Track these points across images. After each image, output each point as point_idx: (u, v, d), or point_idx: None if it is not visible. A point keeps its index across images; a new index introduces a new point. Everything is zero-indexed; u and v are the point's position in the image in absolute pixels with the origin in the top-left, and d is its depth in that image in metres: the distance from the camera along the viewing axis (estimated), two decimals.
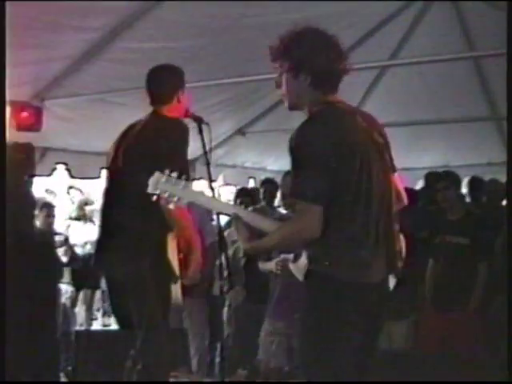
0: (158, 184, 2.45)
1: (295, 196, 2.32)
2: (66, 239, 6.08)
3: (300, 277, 2.45)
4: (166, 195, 2.45)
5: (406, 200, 2.62)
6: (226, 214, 2.64)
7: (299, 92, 2.43)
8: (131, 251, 3.10)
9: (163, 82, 3.28)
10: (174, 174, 2.46)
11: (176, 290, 3.16)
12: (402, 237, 2.60)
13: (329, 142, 2.26)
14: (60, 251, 6.00)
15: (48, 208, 5.93)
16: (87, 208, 7.15)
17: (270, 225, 2.45)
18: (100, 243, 3.30)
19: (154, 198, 2.47)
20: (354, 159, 2.29)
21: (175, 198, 2.45)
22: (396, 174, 2.55)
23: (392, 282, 2.48)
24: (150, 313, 3.07)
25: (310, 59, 2.36)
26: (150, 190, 2.45)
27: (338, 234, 2.30)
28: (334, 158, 2.25)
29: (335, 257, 2.32)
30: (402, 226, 2.52)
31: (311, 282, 2.39)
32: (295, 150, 2.32)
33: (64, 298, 7.03)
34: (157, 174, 2.46)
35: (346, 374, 2.34)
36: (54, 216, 6.09)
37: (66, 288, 6.81)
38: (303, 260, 2.43)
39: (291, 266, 2.62)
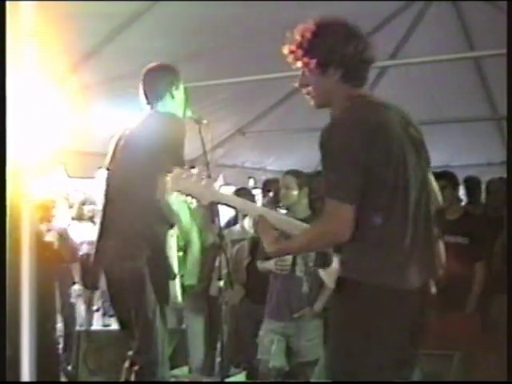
0: (178, 181, 2.36)
1: (326, 194, 2.16)
2: (63, 237, 6.05)
3: (331, 284, 2.29)
4: (187, 194, 2.36)
5: (441, 201, 2.51)
6: (251, 215, 2.54)
7: (328, 88, 2.30)
8: (129, 250, 3.10)
9: (153, 80, 3.33)
10: (195, 171, 2.41)
11: (175, 288, 3.16)
12: (440, 242, 2.47)
13: (359, 137, 2.12)
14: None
15: (45, 208, 5.92)
16: (86, 208, 7.14)
17: (296, 226, 2.35)
18: (99, 242, 3.30)
19: (174, 195, 2.40)
20: (389, 154, 2.15)
21: (196, 197, 2.36)
22: (431, 174, 2.44)
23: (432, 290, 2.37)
24: (148, 312, 3.08)
25: (338, 51, 2.26)
26: (170, 188, 2.37)
27: (371, 237, 2.17)
28: (368, 154, 2.11)
29: (368, 262, 2.17)
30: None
31: (343, 290, 2.22)
32: (323, 148, 2.18)
33: (73, 298, 7.05)
34: (177, 171, 2.38)
35: None
36: (51, 215, 6.09)
37: (76, 287, 6.82)
38: (334, 266, 2.28)
39: (321, 272, 2.43)
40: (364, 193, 2.12)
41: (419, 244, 2.22)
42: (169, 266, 3.11)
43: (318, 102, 2.37)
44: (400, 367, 2.23)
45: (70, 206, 6.86)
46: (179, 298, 3.20)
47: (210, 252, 4.67)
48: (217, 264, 3.68)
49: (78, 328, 6.51)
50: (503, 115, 5.67)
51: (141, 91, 3.37)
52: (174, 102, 3.32)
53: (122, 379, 3.19)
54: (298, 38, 2.35)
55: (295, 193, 4.10)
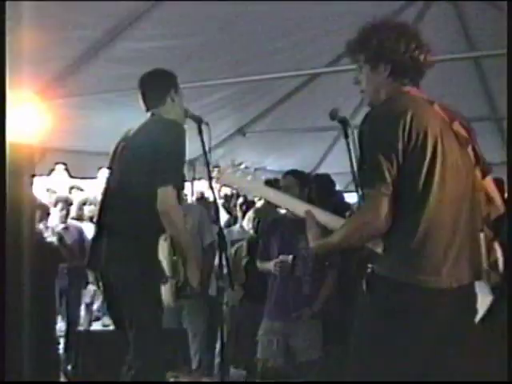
0: (225, 175, 2.41)
1: (363, 185, 2.19)
2: (61, 238, 6.07)
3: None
4: (234, 187, 2.44)
5: (502, 206, 2.41)
6: (296, 211, 2.46)
7: (378, 84, 2.33)
8: (122, 252, 3.09)
9: (151, 86, 3.34)
10: (242, 166, 2.42)
11: (166, 291, 3.14)
12: (497, 245, 2.41)
13: (395, 129, 2.12)
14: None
15: (43, 208, 5.93)
16: (87, 208, 7.14)
17: (339, 221, 2.31)
18: (94, 244, 3.30)
19: (219, 189, 2.42)
20: (424, 147, 2.12)
21: (242, 191, 2.46)
22: (490, 177, 2.40)
23: (487, 298, 2.32)
24: (141, 314, 3.06)
25: (389, 48, 2.30)
26: (216, 181, 2.43)
27: (402, 233, 2.12)
28: (401, 146, 2.11)
29: (398, 257, 2.14)
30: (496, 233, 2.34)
31: (373, 285, 2.17)
32: (361, 138, 2.19)
33: (87, 298, 7.05)
34: (223, 166, 2.45)
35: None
36: (49, 215, 6.10)
37: (89, 288, 6.82)
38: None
39: None
40: (399, 184, 2.11)
41: (460, 242, 2.18)
42: (161, 270, 3.10)
43: (368, 98, 2.40)
44: (427, 375, 2.18)
45: (69, 205, 6.84)
46: (171, 303, 3.18)
47: (209, 252, 4.67)
48: (216, 264, 3.68)
49: (78, 328, 6.53)
50: (503, 115, 5.67)
51: (139, 97, 3.36)
52: (174, 107, 3.31)
53: None
54: (355, 35, 2.41)
55: (296, 193, 4.10)
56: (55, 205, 6.62)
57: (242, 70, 4.92)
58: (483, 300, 2.37)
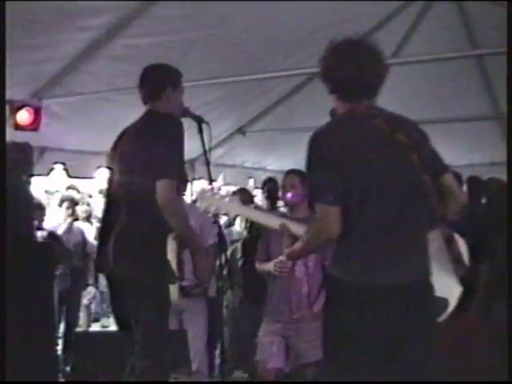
0: (205, 198, 2.69)
1: (312, 198, 2.42)
2: (54, 237, 6.03)
3: None
4: (213, 209, 2.70)
5: (464, 199, 2.66)
6: (272, 226, 2.81)
7: (334, 102, 2.56)
8: (130, 252, 3.07)
9: (150, 80, 3.29)
10: (221, 191, 2.60)
11: (173, 290, 3.13)
12: (460, 240, 2.65)
13: (337, 146, 2.36)
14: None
15: (39, 208, 5.90)
16: (79, 208, 7.09)
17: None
18: (101, 244, 3.28)
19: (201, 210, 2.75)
20: (362, 162, 2.35)
21: (222, 211, 2.74)
22: (449, 174, 2.59)
23: (457, 290, 2.52)
24: (148, 314, 3.04)
25: (330, 70, 2.49)
26: (198, 204, 2.72)
27: (345, 235, 2.34)
28: (343, 161, 2.33)
29: (342, 257, 2.38)
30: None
31: (327, 285, 2.55)
32: (308, 154, 2.43)
33: (87, 299, 7.02)
34: (202, 189, 2.82)
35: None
36: (44, 215, 6.08)
37: (90, 289, 6.79)
38: None
39: None
40: (344, 193, 2.34)
41: (404, 242, 2.37)
42: (169, 270, 3.08)
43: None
44: (379, 367, 2.33)
45: (75, 205, 6.81)
46: (176, 299, 3.16)
47: (210, 253, 4.64)
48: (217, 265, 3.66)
49: (76, 329, 6.51)
50: (505, 114, 5.64)
51: (140, 90, 3.33)
52: (170, 104, 3.28)
53: None
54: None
55: (299, 191, 4.07)
56: (60, 204, 6.60)
57: (242, 69, 4.90)
58: (453, 292, 2.57)
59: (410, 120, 2.58)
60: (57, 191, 7.65)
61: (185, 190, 4.71)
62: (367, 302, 2.30)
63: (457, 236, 2.63)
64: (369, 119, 2.46)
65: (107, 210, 3.30)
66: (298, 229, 2.62)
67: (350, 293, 2.33)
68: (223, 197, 2.74)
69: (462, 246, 2.63)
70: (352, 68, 2.44)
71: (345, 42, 2.49)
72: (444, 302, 2.53)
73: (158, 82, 3.28)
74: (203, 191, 2.73)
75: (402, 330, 2.33)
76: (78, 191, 7.57)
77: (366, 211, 2.34)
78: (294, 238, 2.59)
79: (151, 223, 3.04)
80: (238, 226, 5.46)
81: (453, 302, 2.57)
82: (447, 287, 2.51)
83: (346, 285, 2.34)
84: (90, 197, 8.29)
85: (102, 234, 3.30)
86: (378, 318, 2.30)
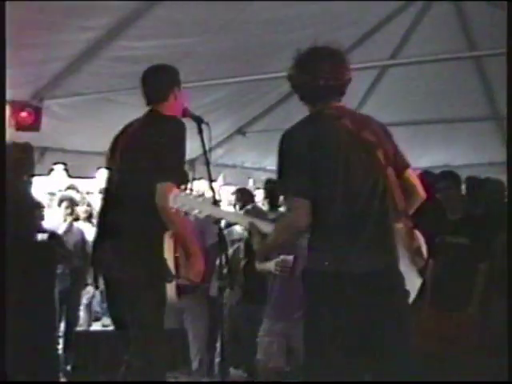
0: (178, 198, 2.71)
1: (283, 192, 2.62)
2: (55, 237, 6.04)
3: None
4: (186, 209, 2.72)
5: (423, 193, 2.75)
6: (241, 225, 3.04)
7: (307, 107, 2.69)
8: (127, 251, 3.07)
9: (156, 80, 3.29)
10: (194, 192, 2.64)
11: (171, 288, 3.13)
12: (418, 234, 2.77)
13: (305, 143, 2.50)
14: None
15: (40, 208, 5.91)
16: (80, 208, 7.10)
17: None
18: (97, 243, 3.27)
19: (173, 210, 2.73)
20: (328, 158, 2.51)
21: (195, 211, 2.72)
22: (410, 170, 2.73)
23: (417, 281, 2.67)
24: (144, 313, 3.04)
25: (293, 78, 2.70)
26: (170, 204, 2.72)
27: (315, 228, 2.50)
28: (311, 157, 2.48)
29: (313, 249, 2.54)
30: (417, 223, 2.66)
31: (302, 277, 2.63)
32: (278, 152, 2.58)
33: (85, 299, 7.02)
34: (175, 190, 2.78)
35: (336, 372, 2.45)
36: (44, 215, 6.09)
37: (88, 289, 6.79)
38: None
39: None
40: (312, 188, 2.47)
41: (368, 234, 2.50)
42: (165, 268, 3.09)
43: None
44: (349, 352, 2.47)
45: (74, 205, 6.81)
46: (174, 298, 3.17)
47: (210, 252, 4.66)
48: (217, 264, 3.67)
49: (77, 328, 6.52)
50: (504, 115, 5.66)
51: (141, 89, 3.33)
52: (175, 104, 3.29)
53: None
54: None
55: None
56: (59, 204, 6.61)
57: (242, 70, 4.91)
58: (414, 282, 2.73)
59: (375, 120, 2.72)
60: (59, 190, 7.64)
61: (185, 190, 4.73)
62: (338, 290, 2.44)
63: (415, 229, 2.76)
64: (335, 119, 2.59)
65: (104, 208, 3.30)
66: (267, 227, 2.69)
67: (321, 281, 2.48)
68: (196, 197, 2.81)
69: (420, 239, 2.77)
70: (308, 74, 2.61)
71: (305, 50, 2.67)
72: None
73: (164, 81, 3.28)
74: (177, 192, 2.76)
75: (372, 316, 2.48)
76: (78, 191, 7.57)
77: (334, 205, 2.48)
78: (263, 237, 2.68)
79: (148, 222, 3.04)
80: (240, 226, 5.47)
81: (413, 293, 2.69)
82: (409, 279, 2.61)
83: (317, 274, 2.49)
84: (88, 193, 8.26)
85: (99, 231, 3.29)
86: (349, 305, 2.44)
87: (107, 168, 3.39)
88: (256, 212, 5.10)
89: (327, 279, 2.46)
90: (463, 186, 5.44)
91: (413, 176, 2.75)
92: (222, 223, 3.95)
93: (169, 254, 3.10)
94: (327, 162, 2.50)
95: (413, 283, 2.70)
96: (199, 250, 3.25)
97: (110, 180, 3.33)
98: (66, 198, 6.71)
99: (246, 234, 5.29)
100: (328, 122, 2.58)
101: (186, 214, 2.83)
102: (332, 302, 2.46)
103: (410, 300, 2.65)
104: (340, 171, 2.49)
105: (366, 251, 2.49)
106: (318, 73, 2.60)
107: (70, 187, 7.60)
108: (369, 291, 2.46)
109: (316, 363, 2.53)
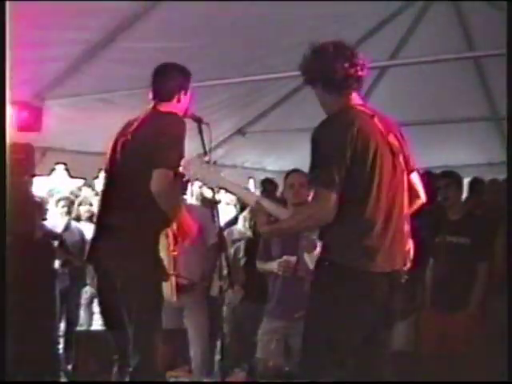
0: (189, 166, 2.75)
1: (313, 183, 2.58)
2: (55, 237, 6.05)
3: (311, 265, 2.81)
4: (198, 177, 2.77)
5: (424, 197, 2.82)
6: (249, 201, 2.88)
7: (324, 100, 2.72)
8: (124, 250, 3.07)
9: (166, 79, 3.29)
10: (206, 158, 2.77)
11: (169, 287, 3.14)
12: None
13: (344, 138, 2.50)
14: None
15: (40, 208, 5.93)
16: (82, 208, 7.12)
17: (286, 213, 2.73)
18: (94, 241, 3.27)
19: (185, 178, 2.79)
20: (366, 155, 2.52)
21: (205, 181, 2.76)
22: (416, 173, 2.80)
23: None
24: (141, 312, 3.05)
25: (318, 68, 2.68)
26: (182, 170, 2.76)
27: (346, 224, 2.52)
28: (349, 153, 2.49)
29: (342, 245, 2.54)
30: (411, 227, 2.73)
31: (318, 268, 2.61)
32: (314, 144, 2.56)
33: (84, 299, 7.04)
34: (187, 158, 2.78)
35: (347, 364, 2.54)
36: (45, 215, 6.11)
37: (86, 289, 6.80)
38: (318, 250, 2.70)
39: (306, 256, 3.12)
40: (345, 184, 2.49)
41: (392, 235, 2.58)
42: (162, 267, 3.09)
43: (324, 111, 2.77)
44: (365, 343, 2.55)
45: (71, 204, 6.83)
46: (173, 296, 3.17)
47: (210, 252, 4.67)
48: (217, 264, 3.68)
49: (77, 328, 6.53)
50: (503, 115, 5.67)
51: (155, 86, 3.30)
52: (178, 107, 3.29)
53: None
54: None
55: (306, 191, 4.09)
56: (56, 204, 6.62)
57: (243, 71, 4.92)
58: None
59: (395, 122, 2.80)
60: (58, 192, 7.66)
61: (185, 189, 4.74)
62: (364, 288, 2.51)
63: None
64: (370, 117, 2.64)
65: (102, 207, 3.30)
66: (273, 208, 2.70)
67: (349, 278, 2.50)
68: (207, 167, 2.80)
69: (410, 241, 2.79)
70: (340, 60, 2.63)
71: (323, 44, 2.69)
72: None
73: (173, 81, 3.28)
74: (188, 160, 2.76)
75: (383, 316, 2.58)
76: (77, 195, 7.59)
77: (367, 203, 2.51)
78: (268, 217, 2.70)
79: (145, 220, 3.05)
80: (241, 226, 5.47)
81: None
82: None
83: (346, 270, 2.50)
84: (86, 184, 8.23)
85: (97, 229, 3.29)
86: (371, 303, 2.52)
87: (107, 167, 3.39)
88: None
89: (353, 274, 2.50)
90: (466, 187, 5.46)
91: (417, 180, 2.81)
92: (222, 223, 3.96)
93: (165, 253, 3.10)
94: (363, 159, 2.52)
95: None
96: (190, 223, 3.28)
97: (108, 178, 3.33)
98: (63, 197, 6.73)
99: (246, 233, 5.30)
100: (364, 119, 2.61)
101: (198, 181, 2.82)
102: (354, 298, 2.51)
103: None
104: (373, 171, 2.53)
105: (389, 252, 2.56)
106: (353, 60, 2.64)
107: (77, 188, 7.63)
108: (390, 290, 2.56)
109: (323, 361, 2.58)
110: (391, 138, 2.65)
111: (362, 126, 2.55)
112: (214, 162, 3.37)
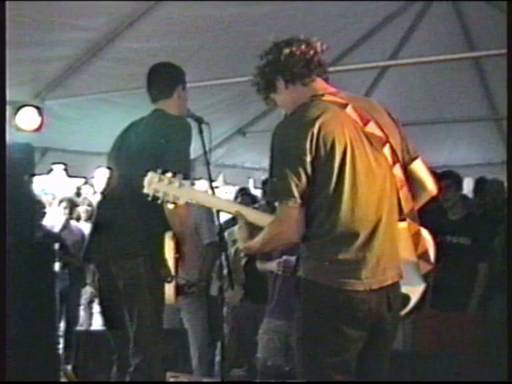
0: (152, 185, 2.42)
1: (274, 197, 2.26)
2: (55, 237, 6.05)
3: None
4: (160, 195, 2.40)
5: (433, 188, 2.46)
6: (227, 212, 2.59)
7: (286, 98, 2.39)
8: (127, 250, 3.07)
9: (161, 77, 3.29)
10: (169, 174, 2.40)
11: (169, 289, 3.13)
12: (427, 236, 2.47)
13: (301, 140, 2.15)
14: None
15: (40, 208, 5.93)
16: (80, 209, 7.13)
17: (268, 221, 2.33)
18: (95, 241, 3.25)
19: (149, 198, 2.43)
20: (333, 155, 2.15)
21: (170, 198, 2.40)
22: (419, 161, 2.41)
23: (420, 287, 2.40)
24: (143, 313, 3.04)
25: (276, 60, 2.38)
26: (144, 190, 2.42)
27: (317, 238, 2.19)
28: (308, 157, 2.14)
29: (314, 261, 2.21)
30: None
31: (299, 288, 2.26)
32: (271, 149, 2.24)
33: (83, 299, 7.04)
34: (150, 174, 2.43)
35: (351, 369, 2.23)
36: (45, 215, 6.11)
37: (87, 289, 6.80)
38: None
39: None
40: (310, 194, 2.16)
41: (379, 245, 2.21)
42: (166, 268, 3.09)
43: (283, 110, 2.45)
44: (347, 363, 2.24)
45: (74, 206, 6.84)
46: (172, 298, 3.17)
47: (209, 251, 4.67)
48: (217, 264, 3.68)
49: (77, 328, 6.53)
50: (503, 115, 5.67)
51: (150, 88, 3.30)
52: (179, 103, 3.28)
53: None
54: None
55: None
56: (59, 204, 6.63)
57: (243, 71, 4.92)
58: (415, 287, 2.43)
59: (379, 104, 2.41)
60: (47, 194, 7.67)
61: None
62: (342, 308, 2.16)
63: (425, 232, 2.47)
64: (340, 108, 2.25)
65: (102, 207, 3.30)
66: (255, 217, 2.39)
67: (324, 297, 2.17)
68: (171, 182, 2.41)
69: (429, 242, 2.49)
70: (297, 48, 2.34)
71: (274, 42, 2.44)
72: (406, 298, 2.41)
73: (168, 78, 3.27)
74: (151, 177, 2.41)
75: (372, 331, 2.24)
76: (79, 195, 7.60)
77: (339, 211, 2.15)
78: (251, 227, 2.36)
79: (149, 221, 3.04)
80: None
81: (414, 298, 2.44)
82: (410, 282, 2.38)
83: (319, 289, 2.18)
84: (86, 183, 8.24)
85: (95, 229, 3.27)
86: (352, 326, 2.17)
87: (109, 167, 3.38)
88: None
89: (332, 294, 2.16)
90: (467, 187, 5.46)
91: (422, 168, 2.42)
92: (222, 223, 3.96)
93: (169, 255, 3.10)
94: (330, 160, 2.14)
95: (414, 287, 2.43)
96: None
97: (111, 179, 3.32)
98: (65, 198, 6.75)
99: None
100: (333, 110, 2.22)
101: (167, 201, 2.41)
102: (335, 317, 2.17)
103: (410, 306, 2.43)
104: (343, 172, 2.15)
105: (377, 266, 2.19)
106: (309, 44, 2.36)
107: (80, 188, 7.64)
108: (379, 309, 2.21)
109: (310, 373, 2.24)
110: (370, 128, 2.25)
111: (326, 120, 2.17)
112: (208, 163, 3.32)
